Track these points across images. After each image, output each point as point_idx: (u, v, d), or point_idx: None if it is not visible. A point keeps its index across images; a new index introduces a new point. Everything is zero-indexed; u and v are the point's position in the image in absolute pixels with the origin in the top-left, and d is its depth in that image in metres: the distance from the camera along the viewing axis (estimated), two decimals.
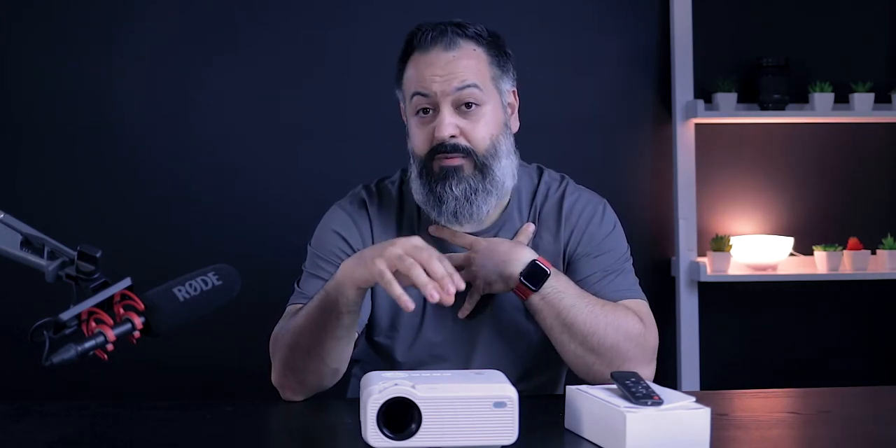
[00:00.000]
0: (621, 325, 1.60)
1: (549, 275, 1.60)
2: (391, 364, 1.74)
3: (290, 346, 1.58)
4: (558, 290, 1.59)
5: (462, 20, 1.70)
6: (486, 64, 1.68)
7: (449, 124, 1.63)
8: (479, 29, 1.70)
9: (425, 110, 1.66)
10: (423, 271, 1.39)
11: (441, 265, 1.39)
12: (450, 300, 1.38)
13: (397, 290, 1.39)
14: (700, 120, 3.01)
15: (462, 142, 1.64)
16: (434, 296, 1.37)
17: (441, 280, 1.38)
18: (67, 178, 2.96)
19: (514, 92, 1.75)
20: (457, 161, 1.64)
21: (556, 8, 3.07)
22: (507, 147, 1.69)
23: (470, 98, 1.64)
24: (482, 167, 1.65)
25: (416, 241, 1.44)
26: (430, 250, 1.42)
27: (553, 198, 1.76)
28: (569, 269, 1.71)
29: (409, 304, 1.38)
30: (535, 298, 1.60)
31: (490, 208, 1.68)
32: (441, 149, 1.64)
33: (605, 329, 1.59)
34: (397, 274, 1.41)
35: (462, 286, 1.40)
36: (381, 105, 3.00)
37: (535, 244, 1.72)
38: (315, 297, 1.56)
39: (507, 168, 1.69)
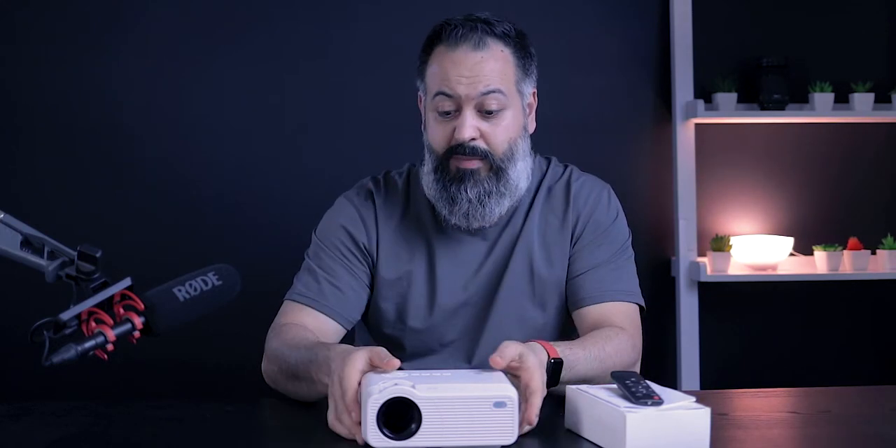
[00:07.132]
0: (623, 359, 1.57)
1: (562, 364, 1.45)
2: (399, 353, 1.73)
3: (277, 372, 1.56)
4: (569, 367, 1.47)
5: (490, 16, 1.69)
6: (513, 66, 1.67)
7: (470, 127, 1.63)
8: (507, 28, 1.68)
9: (447, 110, 1.66)
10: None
11: (346, 417, 1.26)
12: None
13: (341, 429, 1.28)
14: (700, 120, 3.01)
15: (481, 145, 1.64)
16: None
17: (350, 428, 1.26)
18: (67, 177, 2.96)
19: (534, 93, 1.74)
20: (474, 164, 1.65)
21: (556, 8, 3.07)
22: (523, 149, 1.70)
23: (493, 103, 1.64)
24: (498, 170, 1.66)
25: (357, 366, 1.27)
26: (349, 394, 1.25)
27: (560, 182, 1.77)
28: (572, 258, 1.72)
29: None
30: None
31: (502, 210, 1.69)
32: (459, 150, 1.64)
33: (613, 367, 1.52)
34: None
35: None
36: (383, 103, 3.00)
37: (542, 229, 1.73)
38: (306, 356, 1.47)
39: (523, 171, 1.69)
